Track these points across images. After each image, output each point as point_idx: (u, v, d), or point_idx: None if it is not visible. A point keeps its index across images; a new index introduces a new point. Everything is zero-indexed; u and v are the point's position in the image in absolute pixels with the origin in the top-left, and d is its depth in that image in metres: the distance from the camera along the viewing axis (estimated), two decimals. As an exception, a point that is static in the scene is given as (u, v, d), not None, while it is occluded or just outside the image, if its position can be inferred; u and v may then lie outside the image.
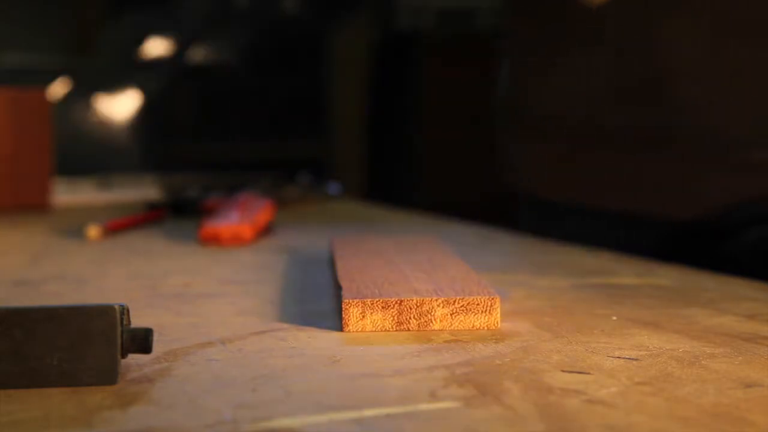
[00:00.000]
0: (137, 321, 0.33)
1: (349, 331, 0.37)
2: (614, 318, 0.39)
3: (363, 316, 0.37)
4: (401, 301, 0.37)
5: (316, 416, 0.26)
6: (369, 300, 0.37)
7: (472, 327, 0.37)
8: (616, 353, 0.33)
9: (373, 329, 0.37)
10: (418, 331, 0.37)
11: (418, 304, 0.37)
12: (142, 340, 0.30)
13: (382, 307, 0.37)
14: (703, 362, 0.32)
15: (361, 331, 0.37)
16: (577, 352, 0.33)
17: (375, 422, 0.26)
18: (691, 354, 0.33)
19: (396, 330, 0.37)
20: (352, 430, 0.25)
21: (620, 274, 0.52)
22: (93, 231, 0.72)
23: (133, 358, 0.32)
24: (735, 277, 0.50)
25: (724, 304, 0.42)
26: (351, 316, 0.37)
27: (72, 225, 0.79)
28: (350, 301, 0.37)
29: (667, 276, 0.51)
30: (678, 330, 0.37)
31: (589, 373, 0.30)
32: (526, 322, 0.39)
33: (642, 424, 0.25)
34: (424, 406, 0.27)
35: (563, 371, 0.31)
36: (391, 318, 0.37)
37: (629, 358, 0.32)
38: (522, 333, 0.37)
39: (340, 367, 0.32)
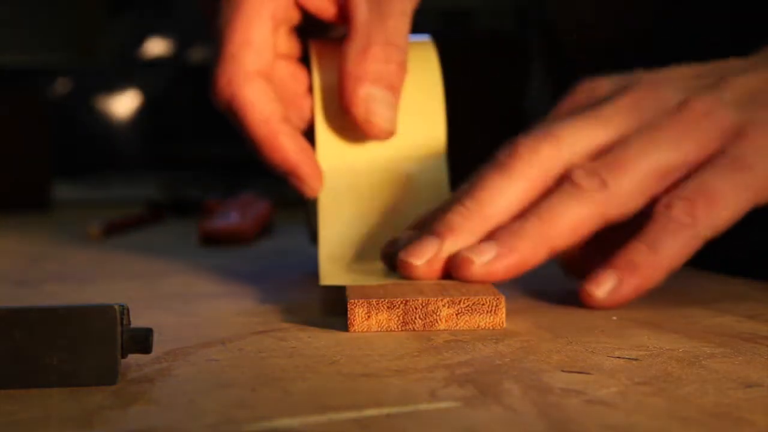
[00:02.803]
0: (137, 321, 0.33)
1: (354, 331, 0.37)
2: (614, 318, 0.39)
3: (368, 316, 0.37)
4: (406, 302, 0.37)
5: (316, 416, 0.26)
6: (374, 300, 0.37)
7: (478, 327, 0.37)
8: (616, 353, 0.33)
9: (379, 329, 0.37)
10: (423, 331, 0.37)
11: (424, 305, 0.37)
12: (142, 340, 0.30)
13: (388, 307, 0.37)
14: (703, 362, 0.32)
15: (366, 330, 0.37)
16: (577, 352, 0.33)
17: (375, 422, 0.26)
18: (691, 354, 0.33)
19: (401, 330, 0.37)
20: (352, 430, 0.25)
21: (620, 274, 0.52)
22: (93, 231, 0.72)
23: (133, 358, 0.32)
24: (735, 277, 0.50)
25: (724, 304, 0.42)
26: (356, 316, 0.37)
27: (72, 225, 0.79)
28: (356, 301, 0.37)
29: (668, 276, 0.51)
30: (678, 330, 0.37)
31: (589, 373, 0.30)
32: (526, 322, 0.39)
33: (642, 424, 0.25)
34: (424, 406, 0.27)
35: (563, 371, 0.31)
36: (397, 318, 0.37)
37: (629, 358, 0.32)
38: (522, 333, 0.37)
39: (340, 367, 0.32)
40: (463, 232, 0.41)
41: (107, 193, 1.25)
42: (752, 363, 0.32)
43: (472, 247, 0.40)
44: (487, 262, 0.40)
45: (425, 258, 0.41)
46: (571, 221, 0.40)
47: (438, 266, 0.41)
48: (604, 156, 0.41)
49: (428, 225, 0.43)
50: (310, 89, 0.49)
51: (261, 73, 0.46)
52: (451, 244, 0.41)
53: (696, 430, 0.25)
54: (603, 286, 0.40)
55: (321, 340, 0.36)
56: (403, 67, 0.46)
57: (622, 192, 0.40)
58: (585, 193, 0.40)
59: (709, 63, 0.45)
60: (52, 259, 0.63)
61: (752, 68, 0.44)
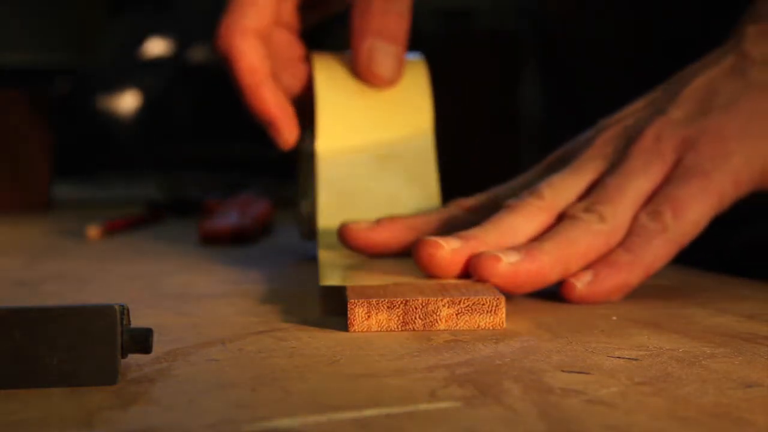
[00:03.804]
0: (137, 321, 0.33)
1: (354, 330, 0.37)
2: (614, 318, 0.39)
3: (368, 316, 0.37)
4: (407, 301, 0.37)
5: (316, 416, 0.26)
6: (374, 300, 0.37)
7: (478, 327, 0.37)
8: (616, 353, 0.33)
9: (379, 329, 0.37)
10: (423, 330, 0.37)
11: (424, 304, 0.37)
12: (142, 340, 0.30)
13: (388, 307, 0.37)
14: (703, 362, 0.32)
15: (366, 330, 0.37)
16: (577, 352, 0.33)
17: (375, 422, 0.26)
18: (691, 354, 0.33)
19: (401, 330, 0.37)
20: (352, 430, 0.25)
21: (620, 274, 0.52)
22: (93, 231, 0.72)
23: (133, 358, 0.32)
24: (735, 277, 0.50)
25: (724, 304, 0.42)
26: (356, 316, 0.37)
27: (72, 225, 0.79)
28: (356, 301, 0.37)
29: (667, 276, 0.51)
30: (678, 330, 0.37)
31: (589, 373, 0.30)
32: (526, 322, 0.39)
33: (642, 424, 0.25)
34: (424, 406, 0.27)
35: (563, 371, 0.31)
36: (397, 318, 0.37)
37: (629, 358, 0.32)
38: (522, 333, 0.37)
39: (340, 367, 0.32)
40: (484, 242, 0.43)
41: (107, 193, 1.25)
42: (752, 363, 0.32)
43: (498, 249, 0.42)
44: (513, 263, 0.41)
45: (452, 247, 0.42)
46: (583, 247, 0.43)
47: (460, 258, 0.42)
48: (589, 196, 0.45)
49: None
50: (305, 59, 0.54)
51: (257, 31, 0.51)
52: (475, 246, 0.43)
53: (696, 430, 0.25)
54: (582, 279, 0.43)
55: (321, 340, 0.36)
56: (403, 17, 0.51)
57: (617, 222, 0.44)
58: (590, 225, 0.44)
59: (668, 80, 0.49)
60: (52, 259, 0.63)
61: (703, 68, 0.48)
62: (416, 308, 0.37)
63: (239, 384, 0.30)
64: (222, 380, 0.30)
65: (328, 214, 0.50)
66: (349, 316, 0.37)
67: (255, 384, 0.30)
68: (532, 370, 0.31)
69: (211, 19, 0.54)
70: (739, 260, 0.57)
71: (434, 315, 0.37)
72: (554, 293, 0.45)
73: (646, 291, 0.46)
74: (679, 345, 0.34)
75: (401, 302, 0.37)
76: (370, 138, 0.52)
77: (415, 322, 0.37)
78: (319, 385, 0.30)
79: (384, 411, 0.27)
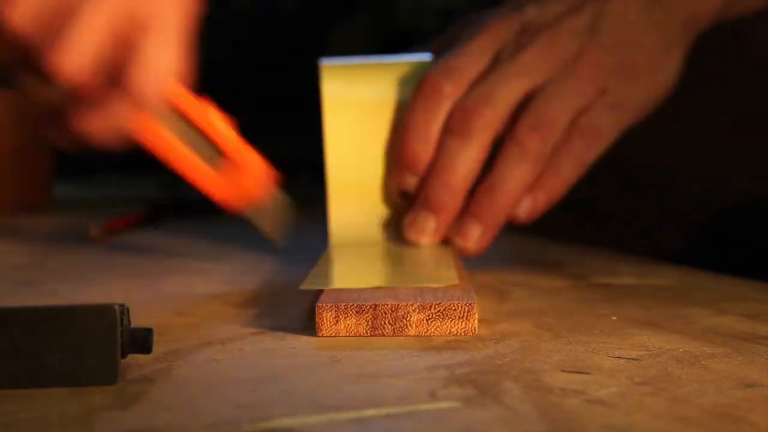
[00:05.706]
0: (137, 321, 0.33)
1: (322, 335, 0.36)
2: (614, 318, 0.39)
3: (337, 321, 0.36)
4: (376, 306, 0.36)
5: (316, 416, 0.26)
6: (343, 304, 0.36)
7: (449, 333, 0.36)
8: (616, 353, 0.33)
9: (347, 334, 0.36)
10: (393, 336, 0.36)
11: (393, 309, 0.36)
12: (142, 340, 0.30)
13: (356, 312, 0.36)
14: (703, 362, 0.32)
15: (335, 335, 0.36)
16: (577, 352, 0.33)
17: (375, 422, 0.26)
18: (691, 354, 0.33)
19: (371, 336, 0.36)
20: (352, 430, 0.25)
21: (620, 274, 0.52)
22: (93, 231, 0.72)
23: (133, 358, 0.32)
24: (735, 277, 0.50)
25: (724, 304, 0.42)
26: (324, 321, 0.36)
27: (72, 225, 0.79)
28: (323, 305, 0.36)
29: (667, 276, 0.51)
30: (678, 330, 0.37)
31: (589, 373, 0.30)
32: (526, 322, 0.39)
33: (642, 424, 0.25)
34: (424, 406, 0.27)
35: (563, 371, 0.31)
36: (366, 323, 0.36)
37: (629, 358, 0.32)
38: (522, 333, 0.37)
39: (341, 367, 0.32)
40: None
41: (107, 193, 1.25)
42: (752, 363, 0.32)
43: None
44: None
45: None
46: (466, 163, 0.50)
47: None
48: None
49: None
50: None
51: None
52: None
53: (696, 430, 0.25)
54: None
55: (321, 340, 0.36)
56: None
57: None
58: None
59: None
60: (52, 259, 0.63)
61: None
62: (386, 313, 0.36)
63: (239, 384, 0.30)
64: (222, 380, 0.30)
65: (338, 207, 0.53)
66: (316, 320, 0.36)
67: (255, 384, 0.30)
68: (532, 370, 0.31)
69: (211, 19, 0.53)
70: (740, 261, 0.57)
71: (404, 320, 0.36)
72: (554, 293, 0.45)
73: (646, 291, 0.46)
74: (679, 345, 0.34)
75: (370, 306, 0.36)
76: (380, 161, 0.53)
77: (384, 328, 0.36)
78: (319, 385, 0.30)
79: (384, 411, 0.27)
